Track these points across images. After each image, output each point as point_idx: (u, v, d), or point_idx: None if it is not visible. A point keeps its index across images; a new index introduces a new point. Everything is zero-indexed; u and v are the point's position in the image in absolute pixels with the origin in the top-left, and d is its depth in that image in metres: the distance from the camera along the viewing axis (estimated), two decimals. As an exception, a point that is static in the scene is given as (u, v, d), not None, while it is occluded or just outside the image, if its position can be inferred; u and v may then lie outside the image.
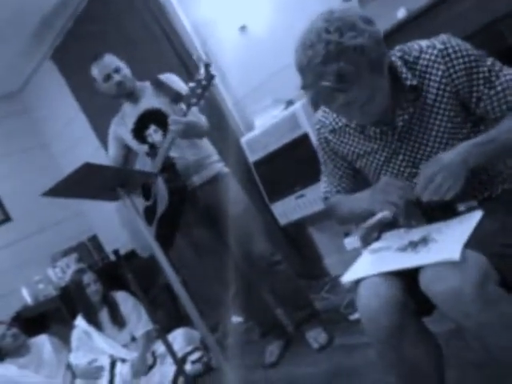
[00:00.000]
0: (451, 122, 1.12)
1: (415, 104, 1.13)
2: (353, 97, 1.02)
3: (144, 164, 2.15)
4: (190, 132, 2.06)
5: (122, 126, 2.32)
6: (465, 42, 1.11)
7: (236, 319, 3.14)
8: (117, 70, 2.18)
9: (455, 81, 1.09)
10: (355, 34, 0.97)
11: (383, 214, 1.12)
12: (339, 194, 1.34)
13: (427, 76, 1.11)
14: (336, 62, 0.97)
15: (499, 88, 1.08)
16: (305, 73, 1.04)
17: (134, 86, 2.25)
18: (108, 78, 2.18)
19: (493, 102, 1.09)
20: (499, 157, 1.11)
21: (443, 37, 1.11)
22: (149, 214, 2.17)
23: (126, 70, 2.22)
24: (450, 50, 1.08)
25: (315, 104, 1.16)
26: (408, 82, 1.11)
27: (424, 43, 1.13)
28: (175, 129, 1.96)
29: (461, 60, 1.08)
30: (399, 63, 1.12)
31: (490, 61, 1.10)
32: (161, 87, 2.21)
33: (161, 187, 2.09)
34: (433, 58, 1.10)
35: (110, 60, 2.20)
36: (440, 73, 1.10)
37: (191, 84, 1.89)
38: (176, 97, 2.07)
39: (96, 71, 2.20)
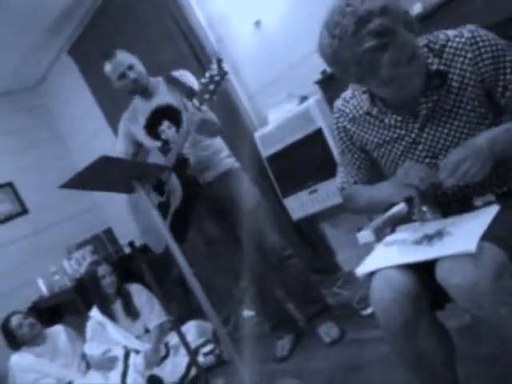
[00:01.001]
0: (474, 112, 1.11)
1: (439, 92, 1.12)
2: (397, 54, 0.99)
3: (157, 160, 2.16)
4: (205, 128, 2.06)
5: (133, 122, 2.32)
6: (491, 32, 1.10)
7: (247, 313, 3.16)
8: (130, 67, 2.18)
9: (482, 69, 1.09)
10: (373, 0, 0.98)
11: (398, 208, 1.12)
12: (356, 184, 1.33)
13: (453, 64, 1.11)
14: (370, 22, 0.97)
15: None
16: (338, 52, 1.02)
17: (148, 81, 2.25)
18: (123, 75, 2.18)
19: None
20: None
21: (470, 26, 1.11)
22: (162, 210, 2.18)
23: (139, 67, 2.22)
24: (478, 39, 1.08)
25: (360, 84, 1.12)
26: (434, 67, 1.10)
27: (451, 32, 1.13)
28: (190, 124, 1.95)
29: (488, 48, 1.07)
30: (424, 49, 1.12)
31: None
32: (174, 83, 2.21)
33: (174, 183, 2.10)
34: (460, 45, 1.10)
35: (123, 57, 2.19)
36: (467, 61, 1.09)
37: (204, 80, 1.87)
38: (189, 92, 2.07)
39: (110, 69, 2.20)
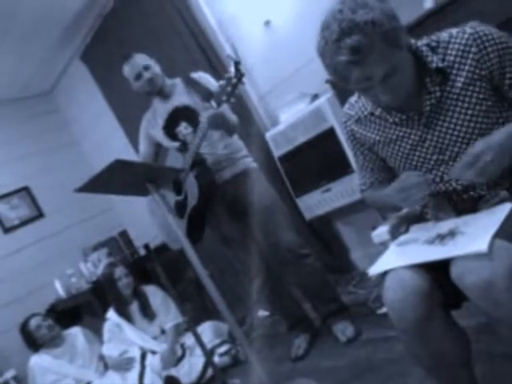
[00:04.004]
0: (480, 105, 1.11)
1: (442, 88, 1.12)
2: (369, 71, 1.04)
3: (176, 160, 2.19)
4: (220, 121, 2.05)
5: (152, 124, 2.36)
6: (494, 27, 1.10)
7: (262, 313, 3.16)
8: (146, 68, 2.23)
9: (487, 63, 1.08)
10: (366, 11, 1.01)
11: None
12: (373, 185, 1.35)
13: (457, 59, 1.11)
14: (349, 37, 1.01)
15: None
16: (323, 54, 1.08)
17: (165, 82, 2.29)
18: (139, 76, 2.23)
19: None
20: None
21: (472, 23, 1.11)
22: (180, 208, 2.22)
23: (155, 68, 2.26)
24: (481, 33, 1.08)
25: (338, 88, 1.19)
26: (434, 65, 1.11)
27: (454, 30, 1.13)
28: (206, 116, 1.98)
29: (492, 42, 1.07)
30: (424, 48, 1.13)
31: None
32: (192, 85, 2.25)
33: (191, 182, 2.14)
34: (463, 41, 1.10)
35: (140, 59, 2.25)
36: (471, 55, 1.09)
37: (221, 82, 1.92)
38: (207, 95, 2.10)
39: (127, 71, 2.26)
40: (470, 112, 1.11)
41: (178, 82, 2.32)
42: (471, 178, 1.01)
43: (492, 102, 1.11)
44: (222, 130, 2.19)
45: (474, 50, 1.08)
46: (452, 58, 1.11)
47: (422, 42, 1.15)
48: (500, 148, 0.99)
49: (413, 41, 1.15)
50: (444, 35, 1.13)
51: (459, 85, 1.11)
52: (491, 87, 1.11)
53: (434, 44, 1.13)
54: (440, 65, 1.11)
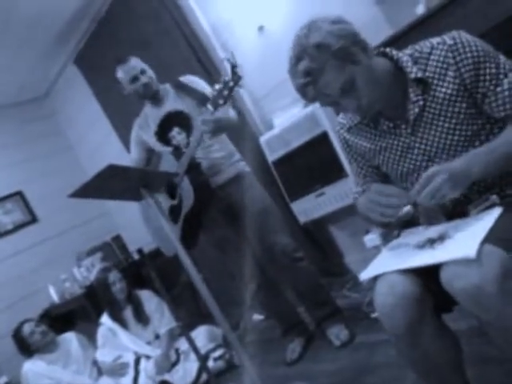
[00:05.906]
0: (464, 114, 1.13)
1: (425, 98, 1.15)
2: (323, 89, 1.11)
3: (170, 165, 2.19)
4: (222, 128, 2.07)
5: (145, 129, 2.36)
6: (477, 38, 1.12)
7: (257, 317, 3.16)
8: (143, 72, 2.24)
9: (464, 75, 1.10)
10: (315, 35, 1.09)
11: (405, 210, 1.12)
12: (364, 193, 1.34)
13: (438, 71, 1.13)
14: (300, 62, 1.10)
15: (506, 86, 1.08)
16: (290, 78, 1.17)
17: (158, 88, 2.30)
18: (134, 79, 2.24)
19: (497, 100, 1.09)
20: (502, 168, 1.08)
21: (454, 33, 1.13)
22: (174, 213, 2.21)
23: (150, 72, 2.27)
24: (459, 45, 1.10)
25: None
26: (412, 76, 1.13)
27: (435, 40, 1.15)
28: (207, 129, 1.98)
29: (469, 54, 1.09)
30: (405, 59, 1.16)
31: (500, 59, 1.10)
32: (183, 89, 2.25)
33: (186, 186, 2.13)
34: (443, 53, 1.12)
35: (136, 63, 2.26)
36: (450, 67, 1.11)
37: (218, 85, 1.92)
38: (203, 98, 2.11)
39: (122, 74, 2.26)
40: (453, 121, 1.13)
41: (168, 87, 2.32)
42: (425, 202, 1.02)
43: (476, 110, 1.13)
44: (225, 132, 2.19)
45: (451, 61, 1.11)
46: (433, 69, 1.13)
47: (404, 52, 1.18)
48: (453, 171, 1.01)
49: (394, 51, 1.18)
50: (427, 45, 1.16)
51: (441, 95, 1.13)
52: (471, 96, 1.12)
53: (416, 55, 1.16)
54: (419, 75, 1.13)
